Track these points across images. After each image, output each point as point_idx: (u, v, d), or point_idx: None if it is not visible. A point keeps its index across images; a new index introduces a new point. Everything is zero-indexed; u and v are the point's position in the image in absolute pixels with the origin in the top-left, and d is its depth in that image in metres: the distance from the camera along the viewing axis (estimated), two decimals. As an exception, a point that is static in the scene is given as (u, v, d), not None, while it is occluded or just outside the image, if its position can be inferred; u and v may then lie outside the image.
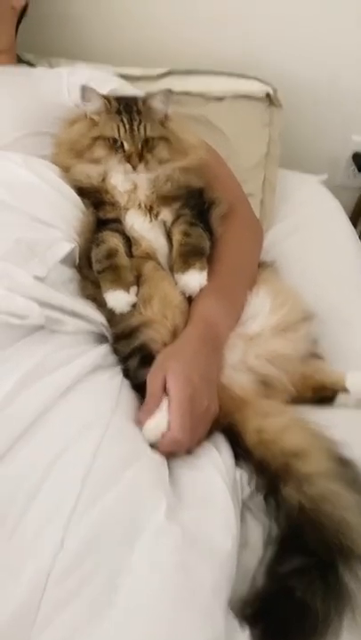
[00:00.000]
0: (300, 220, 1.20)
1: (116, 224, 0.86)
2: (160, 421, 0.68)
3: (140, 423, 0.69)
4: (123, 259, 0.81)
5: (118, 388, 0.72)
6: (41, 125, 0.93)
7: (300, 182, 1.30)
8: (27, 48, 1.21)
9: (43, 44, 1.24)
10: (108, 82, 0.99)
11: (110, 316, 0.80)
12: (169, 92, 0.90)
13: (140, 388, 0.75)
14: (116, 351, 0.79)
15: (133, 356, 0.77)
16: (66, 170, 0.88)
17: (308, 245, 1.15)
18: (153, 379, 0.71)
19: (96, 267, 0.80)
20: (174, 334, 0.79)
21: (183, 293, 0.82)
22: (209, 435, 0.75)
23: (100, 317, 0.79)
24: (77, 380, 0.70)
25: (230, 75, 1.21)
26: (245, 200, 1.03)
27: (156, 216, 0.88)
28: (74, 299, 0.78)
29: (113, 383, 0.73)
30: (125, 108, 0.87)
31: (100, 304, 0.80)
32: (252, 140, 1.19)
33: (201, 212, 0.89)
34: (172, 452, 0.69)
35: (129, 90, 1.01)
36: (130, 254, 0.84)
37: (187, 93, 1.16)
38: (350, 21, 1.21)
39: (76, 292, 0.81)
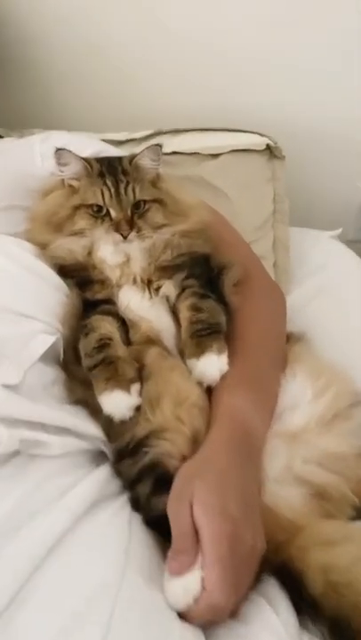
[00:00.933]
0: (320, 282, 1.05)
1: (107, 305, 0.70)
2: (190, 582, 0.48)
3: (173, 573, 0.50)
4: (119, 348, 0.64)
5: (127, 531, 0.53)
6: (11, 199, 0.79)
7: (313, 240, 1.17)
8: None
9: (12, 115, 1.14)
10: (88, 145, 0.86)
11: (108, 426, 0.62)
12: (159, 148, 0.77)
13: (156, 523, 0.56)
14: (119, 474, 0.60)
15: (144, 480, 0.58)
16: (43, 247, 0.73)
17: (335, 310, 0.99)
18: (177, 512, 0.52)
19: (86, 362, 0.63)
20: (195, 442, 0.61)
21: (200, 384, 0.65)
22: (257, 581, 0.55)
23: (94, 430, 0.61)
24: (70, 527, 0.51)
25: (223, 130, 1.10)
26: (259, 262, 0.88)
27: (157, 291, 0.72)
28: (59, 408, 0.61)
29: (119, 524, 0.54)
30: (109, 169, 0.75)
31: (95, 410, 0.62)
32: (255, 198, 1.07)
33: (210, 280, 0.74)
34: (211, 620, 0.49)
35: (113, 152, 0.88)
36: (127, 341, 0.67)
37: (177, 153, 1.04)
38: (352, 63, 1.12)
39: (61, 397, 0.64)
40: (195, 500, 0.52)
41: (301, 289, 1.04)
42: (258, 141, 1.09)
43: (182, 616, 0.49)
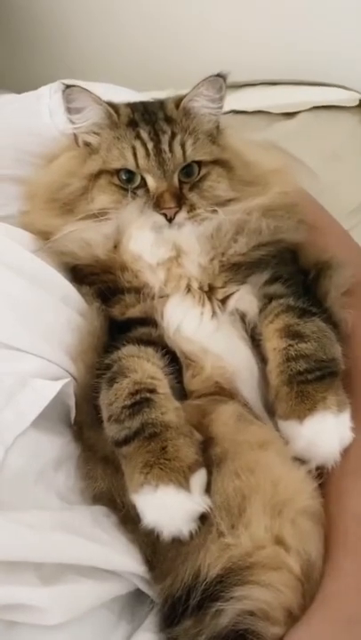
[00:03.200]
0: None
1: (145, 329, 0.45)
2: None
3: None
4: (168, 408, 0.39)
5: None
6: (2, 167, 0.54)
7: None
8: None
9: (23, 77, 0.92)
10: (113, 91, 0.61)
11: (152, 550, 0.36)
12: (221, 80, 0.51)
13: None
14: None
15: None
16: (45, 237, 0.50)
17: None
18: None
19: (112, 431, 0.38)
20: (307, 584, 0.34)
21: (304, 465, 0.39)
22: None
23: (131, 561, 0.35)
24: None
25: (299, 83, 0.85)
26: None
27: (224, 303, 0.46)
28: (63, 520, 0.36)
29: None
30: (144, 116, 0.52)
31: (126, 515, 0.37)
32: (347, 171, 0.82)
33: (306, 287, 0.48)
34: None
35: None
36: (181, 392, 0.41)
37: (237, 112, 0.80)
38: None
39: (71, 491, 0.38)
40: None
41: None
42: (346, 97, 0.85)
43: None
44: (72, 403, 0.41)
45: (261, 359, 0.44)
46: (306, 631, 0.31)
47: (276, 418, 0.41)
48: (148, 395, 0.38)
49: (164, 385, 0.39)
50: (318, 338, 0.42)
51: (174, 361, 0.43)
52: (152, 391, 0.38)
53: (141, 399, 0.38)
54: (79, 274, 0.48)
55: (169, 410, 0.38)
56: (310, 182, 0.78)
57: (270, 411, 0.42)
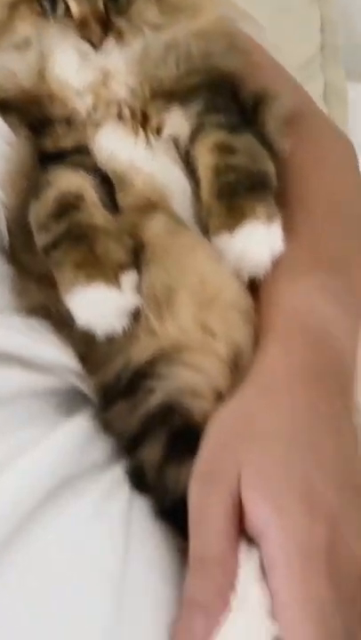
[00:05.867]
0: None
1: (78, 157, 0.44)
2: None
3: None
4: (96, 213, 0.39)
5: (123, 534, 0.30)
6: None
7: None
8: None
9: None
10: None
11: (86, 347, 0.38)
12: None
13: (176, 513, 0.32)
14: (109, 427, 0.37)
15: (151, 437, 0.35)
16: None
17: None
18: (203, 507, 0.30)
19: (41, 239, 0.39)
20: (235, 369, 0.37)
21: (238, 273, 0.40)
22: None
23: (63, 356, 0.37)
24: (16, 527, 0.29)
25: None
26: (313, 102, 0.60)
27: (158, 131, 0.45)
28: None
29: (109, 519, 0.31)
30: None
31: (62, 323, 0.38)
32: (296, 25, 0.77)
33: (242, 115, 0.47)
34: None
35: None
36: (113, 207, 0.41)
37: None
38: None
39: (5, 304, 0.39)
40: (245, 481, 0.29)
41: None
42: None
43: None
44: (3, 226, 0.42)
45: (196, 184, 0.45)
46: (232, 400, 0.34)
47: (210, 236, 0.42)
48: (74, 200, 0.38)
49: (91, 194, 0.40)
50: (249, 151, 0.43)
51: (107, 184, 0.44)
52: (78, 197, 0.39)
53: (67, 205, 0.38)
54: (6, 105, 0.47)
55: (96, 214, 0.38)
56: (258, 36, 0.76)
57: (203, 227, 0.43)
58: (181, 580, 0.29)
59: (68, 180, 0.40)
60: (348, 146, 0.57)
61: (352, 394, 0.37)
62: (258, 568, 0.27)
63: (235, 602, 0.26)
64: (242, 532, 0.29)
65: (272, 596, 0.26)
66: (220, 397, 0.35)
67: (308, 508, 0.27)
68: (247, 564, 0.27)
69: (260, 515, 0.27)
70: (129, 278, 0.37)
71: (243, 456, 0.30)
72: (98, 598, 0.27)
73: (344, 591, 0.27)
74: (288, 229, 0.41)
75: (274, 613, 0.26)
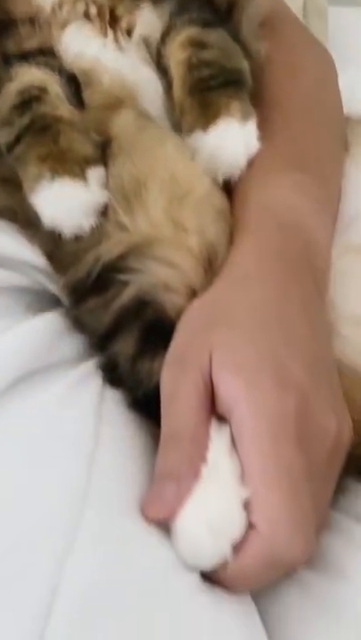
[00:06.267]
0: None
1: (43, 58, 0.42)
2: (216, 513, 0.26)
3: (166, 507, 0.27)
4: (59, 106, 0.37)
5: (93, 424, 0.29)
6: None
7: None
8: None
9: None
10: None
11: (54, 246, 0.36)
12: None
13: (149, 405, 0.32)
14: (80, 324, 0.36)
15: (124, 331, 0.34)
16: None
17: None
18: (176, 385, 0.29)
19: (5, 135, 0.37)
20: (209, 266, 0.36)
21: (212, 174, 0.39)
22: (339, 493, 0.32)
23: (28, 252, 0.36)
24: None
25: None
26: (290, 10, 0.57)
27: (129, 32, 0.43)
28: None
29: (79, 410, 0.30)
30: None
31: (28, 222, 0.37)
32: None
33: (216, 15, 0.45)
34: (269, 578, 0.27)
35: None
36: (80, 107, 0.39)
37: None
38: None
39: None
40: (216, 360, 0.28)
41: (343, 78, 0.74)
42: None
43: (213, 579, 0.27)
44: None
45: (169, 86, 0.43)
46: (205, 293, 0.33)
47: (183, 136, 0.41)
48: (37, 92, 0.36)
49: (56, 88, 0.38)
50: (222, 47, 0.41)
51: (74, 83, 0.42)
52: (42, 90, 0.37)
53: (31, 97, 0.36)
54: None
55: (61, 106, 0.36)
56: None
57: (176, 125, 0.41)
58: (152, 463, 0.29)
59: (32, 75, 0.38)
60: (325, 52, 0.54)
61: (326, 288, 0.36)
62: (229, 442, 0.27)
63: (206, 471, 0.26)
64: (213, 413, 0.28)
65: (242, 464, 0.26)
66: (193, 294, 0.35)
67: (277, 381, 0.27)
68: (218, 438, 0.27)
69: (230, 390, 0.27)
70: (96, 173, 0.35)
71: (214, 338, 0.29)
72: (69, 470, 0.27)
73: (314, 459, 0.27)
74: (263, 129, 0.40)
75: (244, 480, 0.26)
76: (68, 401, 0.30)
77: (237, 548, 0.25)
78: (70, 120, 0.36)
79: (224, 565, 0.26)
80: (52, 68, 0.41)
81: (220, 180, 0.39)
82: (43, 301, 0.36)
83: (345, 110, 0.53)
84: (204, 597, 0.25)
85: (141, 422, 0.32)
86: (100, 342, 0.34)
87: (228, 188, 0.40)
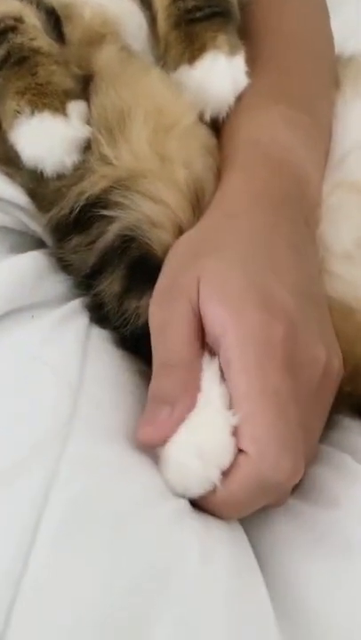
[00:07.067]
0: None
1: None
2: (207, 437, 0.26)
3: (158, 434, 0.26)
4: (38, 37, 0.35)
5: (78, 360, 0.29)
6: None
7: None
8: None
9: None
10: None
11: (35, 184, 0.35)
12: None
13: (136, 343, 0.32)
14: (64, 264, 0.35)
15: (109, 269, 0.33)
16: None
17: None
18: (165, 316, 0.29)
19: None
20: (197, 203, 0.35)
21: (199, 110, 0.37)
22: (330, 423, 0.32)
23: (11, 192, 0.35)
24: None
25: None
26: None
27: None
28: None
29: (63, 348, 0.30)
30: None
31: (8, 160, 0.36)
32: None
33: None
34: (257, 505, 0.27)
35: None
36: (61, 43, 0.38)
37: None
38: None
39: None
40: (203, 291, 0.28)
41: (336, 21, 0.72)
42: None
43: (202, 507, 0.27)
44: None
45: (153, 22, 0.42)
46: (193, 228, 0.33)
47: (170, 73, 0.39)
48: (13, 22, 0.35)
49: (33, 19, 0.36)
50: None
51: (54, 17, 0.40)
52: (18, 20, 0.35)
53: (6, 27, 0.35)
54: None
55: (39, 37, 0.35)
56: None
57: (160, 59, 0.40)
58: (138, 398, 0.29)
59: (7, 5, 0.36)
60: None
61: (317, 223, 0.36)
62: (218, 372, 0.27)
63: (200, 399, 0.26)
64: (204, 343, 0.28)
65: (231, 391, 0.26)
66: (180, 232, 0.34)
67: (264, 309, 0.26)
68: (208, 369, 0.27)
69: (218, 319, 0.27)
70: (77, 107, 0.34)
71: (201, 269, 0.28)
72: (53, 398, 0.26)
73: (302, 388, 0.26)
74: (251, 64, 0.39)
75: (233, 406, 0.26)
76: (53, 335, 0.29)
77: (226, 473, 0.25)
78: (49, 52, 0.35)
79: (213, 492, 0.25)
80: (30, 1, 0.39)
81: (208, 117, 0.38)
82: (26, 244, 0.36)
83: (339, 49, 0.52)
84: (192, 522, 0.25)
85: (129, 359, 0.31)
86: (85, 282, 0.34)
87: (216, 126, 0.39)
